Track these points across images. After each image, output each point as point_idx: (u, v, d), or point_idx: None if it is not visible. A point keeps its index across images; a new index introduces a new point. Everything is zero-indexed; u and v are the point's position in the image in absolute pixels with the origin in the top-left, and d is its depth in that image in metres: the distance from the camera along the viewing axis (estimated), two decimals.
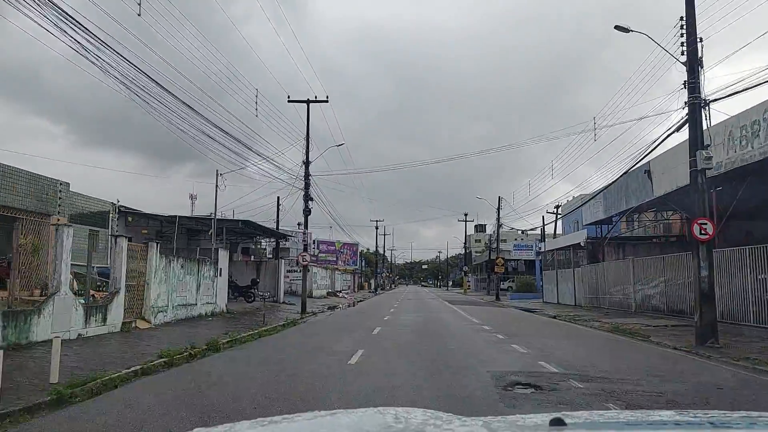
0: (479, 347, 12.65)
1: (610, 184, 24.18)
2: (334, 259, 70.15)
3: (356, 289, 72.29)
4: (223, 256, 22.73)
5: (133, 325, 15.55)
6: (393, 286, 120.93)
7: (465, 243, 73.65)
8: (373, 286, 79.32)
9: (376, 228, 77.89)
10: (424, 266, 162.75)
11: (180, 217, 22.51)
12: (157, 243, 17.05)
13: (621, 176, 21.77)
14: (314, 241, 69.04)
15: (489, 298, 47.70)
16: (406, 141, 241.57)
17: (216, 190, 22.18)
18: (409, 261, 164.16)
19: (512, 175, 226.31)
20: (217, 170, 22.28)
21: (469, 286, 74.22)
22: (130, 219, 22.29)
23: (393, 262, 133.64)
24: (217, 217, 22.69)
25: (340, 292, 54.46)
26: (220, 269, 22.14)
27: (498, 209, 45.14)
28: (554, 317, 23.88)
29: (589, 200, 28.64)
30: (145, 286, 16.53)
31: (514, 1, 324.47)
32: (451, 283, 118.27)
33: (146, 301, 16.47)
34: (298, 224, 65.99)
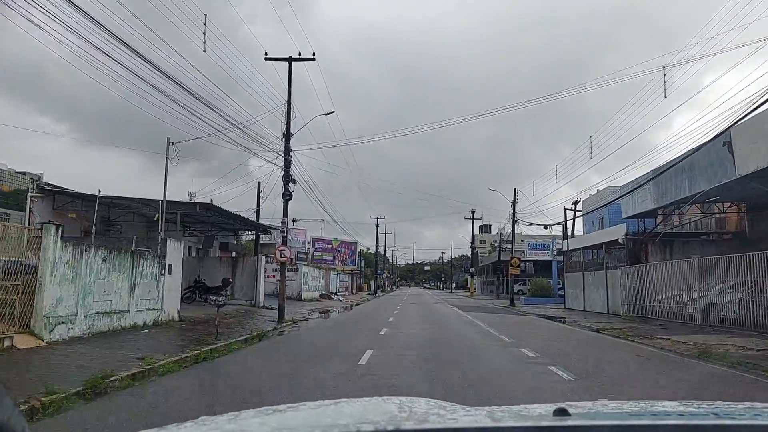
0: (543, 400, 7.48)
1: (670, 164, 19.11)
2: (331, 258, 65.25)
3: (354, 291, 67.25)
4: (175, 249, 17.72)
5: (8, 344, 10.58)
6: (394, 287, 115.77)
7: (472, 242, 68.48)
8: (372, 288, 74.10)
9: (377, 225, 72.87)
10: (427, 267, 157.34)
11: (115, 197, 17.38)
12: (59, 226, 12.02)
13: (693, 151, 16.70)
14: (310, 239, 64.19)
15: (500, 303, 42.60)
16: (409, 142, 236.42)
17: (167, 163, 17.15)
18: (410, 262, 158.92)
19: (515, 179, 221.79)
20: (168, 138, 17.24)
21: (475, 288, 69.07)
22: (36, 197, 17.13)
23: (394, 262, 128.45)
24: (167, 200, 17.55)
25: (335, 294, 49.36)
26: (170, 265, 17.14)
27: (513, 203, 40.09)
28: (597, 331, 18.78)
29: (634, 189, 23.48)
30: (36, 287, 11.55)
31: (517, 2, 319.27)
32: (454, 285, 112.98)
33: (37, 307, 11.45)
34: (294, 221, 61.09)
